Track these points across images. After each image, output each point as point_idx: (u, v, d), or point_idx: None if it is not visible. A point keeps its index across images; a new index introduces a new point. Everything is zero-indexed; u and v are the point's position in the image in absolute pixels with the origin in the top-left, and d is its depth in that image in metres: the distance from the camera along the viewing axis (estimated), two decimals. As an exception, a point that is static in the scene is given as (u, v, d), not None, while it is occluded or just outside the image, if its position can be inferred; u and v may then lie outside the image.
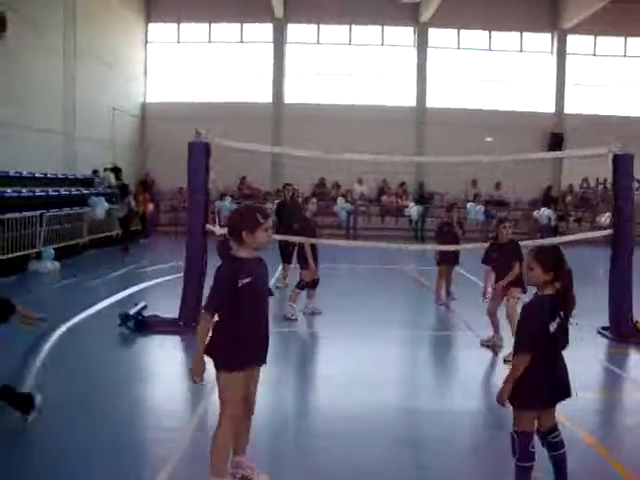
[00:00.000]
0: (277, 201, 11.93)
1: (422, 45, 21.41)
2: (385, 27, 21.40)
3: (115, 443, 4.00)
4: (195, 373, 3.16)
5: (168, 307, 7.39)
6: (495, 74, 21.62)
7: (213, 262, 7.61)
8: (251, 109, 20.20)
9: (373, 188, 21.38)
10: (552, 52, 21.63)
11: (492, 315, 6.57)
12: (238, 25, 21.03)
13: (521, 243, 6.68)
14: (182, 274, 7.12)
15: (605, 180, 22.00)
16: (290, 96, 21.29)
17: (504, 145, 17.83)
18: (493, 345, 6.67)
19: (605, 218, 20.34)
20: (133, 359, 6.30)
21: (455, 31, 21.46)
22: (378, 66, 21.50)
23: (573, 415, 4.27)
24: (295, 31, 21.33)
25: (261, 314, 3.30)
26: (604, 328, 7.48)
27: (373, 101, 21.22)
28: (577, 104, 21.59)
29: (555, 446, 3.27)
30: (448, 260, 9.01)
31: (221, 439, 3.15)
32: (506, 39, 21.57)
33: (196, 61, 21.17)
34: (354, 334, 7.23)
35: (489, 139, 20.45)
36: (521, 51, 21.69)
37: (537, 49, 21.72)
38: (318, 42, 21.42)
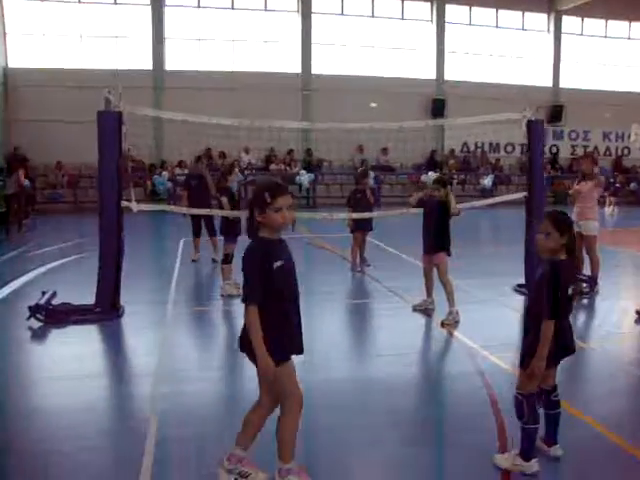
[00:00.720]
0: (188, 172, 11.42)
1: (306, 12, 21.12)
2: None
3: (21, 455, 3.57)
4: (265, 373, 2.87)
5: (79, 293, 6.73)
6: (379, 41, 21.84)
7: (131, 241, 7.44)
8: (132, 76, 18.94)
9: (260, 157, 21.00)
10: (432, 20, 22.23)
11: (426, 277, 6.64)
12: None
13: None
14: (81, 255, 6.50)
15: (483, 144, 23.42)
16: (171, 63, 20.21)
17: (388, 111, 18.23)
18: (426, 309, 6.74)
19: (488, 180, 21.62)
20: (48, 354, 5.62)
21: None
22: (262, 32, 20.91)
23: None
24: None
25: (297, 299, 3.02)
26: (520, 285, 7.82)
27: (258, 68, 20.64)
28: (456, 71, 22.44)
29: (555, 405, 3.36)
30: (363, 227, 8.98)
31: (291, 426, 2.98)
32: (389, 7, 21.82)
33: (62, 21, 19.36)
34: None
35: (373, 105, 20.79)
36: (403, 19, 22.06)
37: (419, 17, 22.21)
38: (199, 6, 20.43)
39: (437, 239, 6.40)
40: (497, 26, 22.99)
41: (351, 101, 19.28)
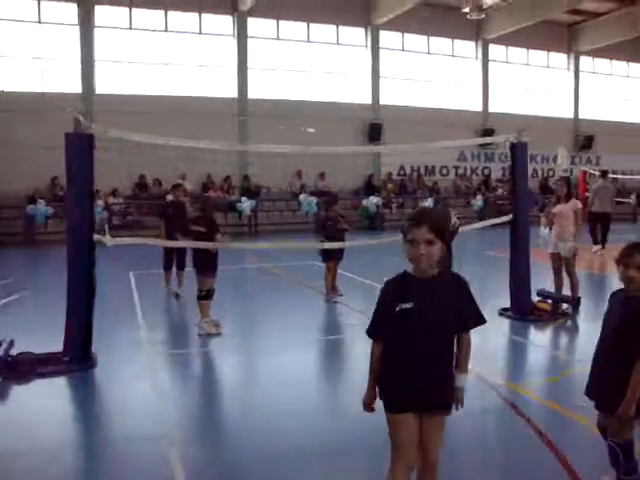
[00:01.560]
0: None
1: (243, 35, 20.75)
2: (203, 14, 20.25)
3: None
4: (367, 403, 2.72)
5: (36, 339, 5.93)
6: (314, 66, 21.76)
7: (104, 277, 6.66)
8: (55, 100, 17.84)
9: (198, 183, 20.25)
10: (367, 46, 22.43)
11: None
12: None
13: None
14: (20, 294, 5.68)
15: (419, 168, 23.71)
16: (101, 87, 19.23)
17: (326, 135, 18.05)
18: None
19: (428, 203, 21.80)
20: (12, 420, 4.61)
21: (274, 22, 21.15)
22: (197, 56, 20.32)
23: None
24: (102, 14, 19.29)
25: (423, 350, 2.55)
26: (504, 309, 7.67)
27: (193, 92, 19.99)
28: (391, 96, 22.69)
29: None
30: (336, 256, 8.60)
31: None
32: (324, 31, 21.82)
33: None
34: (270, 347, 6.48)
35: (311, 130, 20.58)
36: (338, 44, 22.11)
37: (353, 43, 22.33)
38: (130, 27, 19.61)
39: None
40: (429, 52, 23.51)
41: (288, 126, 18.96)
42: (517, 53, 25.43)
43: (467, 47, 24.24)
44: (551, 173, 26.02)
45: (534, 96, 25.79)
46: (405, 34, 22.87)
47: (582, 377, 3.26)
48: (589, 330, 7.27)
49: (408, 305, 2.50)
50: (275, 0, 20.12)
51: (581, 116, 26.80)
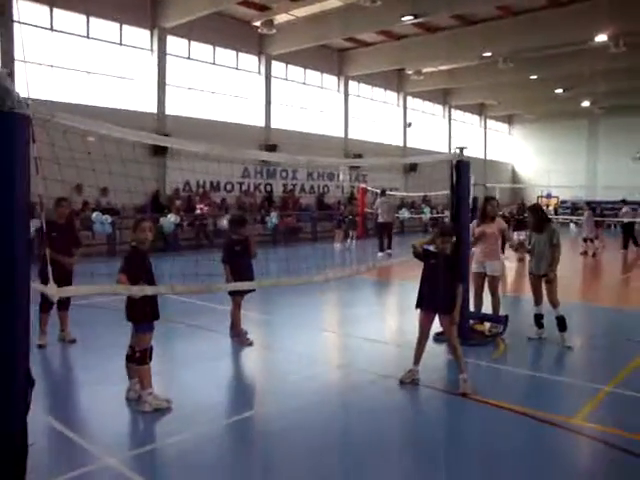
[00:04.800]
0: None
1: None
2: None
3: None
4: None
5: None
6: (96, 67, 19.17)
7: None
8: None
9: None
10: (152, 50, 20.53)
11: (422, 342, 5.73)
12: None
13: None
14: None
15: (204, 183, 22.44)
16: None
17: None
18: (412, 380, 5.68)
19: (225, 222, 20.72)
20: None
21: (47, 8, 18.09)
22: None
23: None
24: None
25: None
26: (438, 334, 7.29)
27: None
28: (176, 106, 21.13)
29: None
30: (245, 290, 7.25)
31: None
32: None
33: None
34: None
35: (91, 139, 18.02)
36: (121, 44, 19.83)
37: (139, 45, 20.30)
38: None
39: (452, 297, 5.44)
40: (214, 63, 22.53)
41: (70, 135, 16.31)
42: (296, 71, 25.90)
43: (251, 61, 23.85)
44: (326, 189, 27.08)
45: (311, 114, 26.56)
46: (192, 42, 21.56)
47: None
48: (541, 345, 7.40)
49: None
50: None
51: (350, 136, 28.43)
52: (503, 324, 7.67)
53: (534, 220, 7.55)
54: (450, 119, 35.77)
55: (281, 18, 21.67)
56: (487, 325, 7.59)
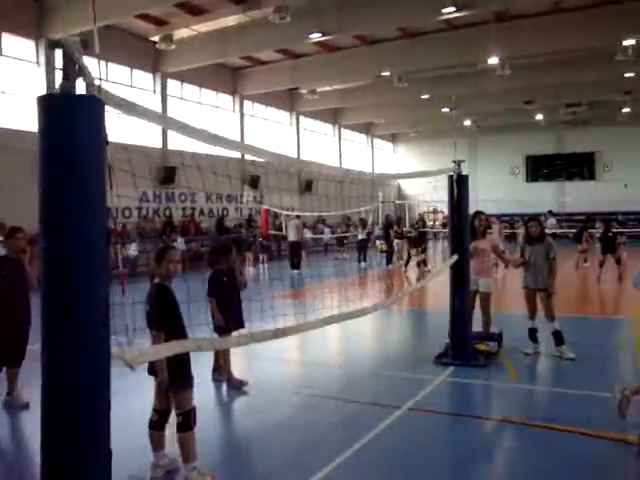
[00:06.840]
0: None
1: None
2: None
3: None
4: None
5: None
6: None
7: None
8: None
9: None
10: (38, 63, 18.66)
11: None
12: None
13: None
14: None
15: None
16: None
17: None
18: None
19: (133, 249, 19.23)
20: None
21: None
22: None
23: None
24: None
25: None
26: (438, 357, 6.99)
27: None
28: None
29: None
30: (237, 324, 6.41)
31: None
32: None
33: None
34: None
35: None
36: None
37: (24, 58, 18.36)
38: None
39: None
40: (107, 79, 20.94)
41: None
42: (191, 90, 24.85)
43: (145, 78, 22.50)
44: (225, 212, 26.11)
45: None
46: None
47: None
48: (546, 360, 7.26)
49: None
50: None
51: (247, 157, 27.65)
52: (497, 342, 7.46)
53: (537, 232, 7.35)
54: (340, 138, 36.21)
55: (181, 33, 20.65)
56: (491, 344, 7.31)
